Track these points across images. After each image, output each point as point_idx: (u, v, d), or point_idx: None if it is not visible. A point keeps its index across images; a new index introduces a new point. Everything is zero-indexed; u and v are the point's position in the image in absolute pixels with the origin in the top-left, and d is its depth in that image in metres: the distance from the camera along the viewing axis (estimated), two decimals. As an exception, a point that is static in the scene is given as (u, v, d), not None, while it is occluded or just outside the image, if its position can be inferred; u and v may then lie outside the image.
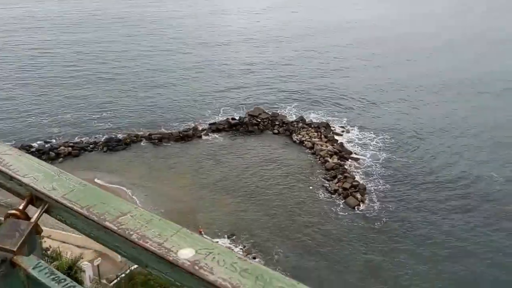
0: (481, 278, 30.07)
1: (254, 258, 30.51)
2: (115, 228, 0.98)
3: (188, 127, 51.07)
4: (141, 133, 49.31)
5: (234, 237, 33.70)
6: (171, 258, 0.89)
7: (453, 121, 53.36)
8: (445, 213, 37.03)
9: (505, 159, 45.10)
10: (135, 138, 48.28)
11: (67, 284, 1.38)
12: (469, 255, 32.21)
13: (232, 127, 51.71)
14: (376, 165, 44.67)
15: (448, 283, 29.69)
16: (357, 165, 44.85)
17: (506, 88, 62.57)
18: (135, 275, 25.53)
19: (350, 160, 45.52)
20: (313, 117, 54.16)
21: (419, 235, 34.45)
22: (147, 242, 0.93)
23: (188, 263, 0.88)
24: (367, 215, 37.19)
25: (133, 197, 37.12)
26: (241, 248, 32.33)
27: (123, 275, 26.38)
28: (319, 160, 45.10)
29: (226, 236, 33.69)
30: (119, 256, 29.10)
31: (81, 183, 1.17)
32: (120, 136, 48.35)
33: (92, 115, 53.10)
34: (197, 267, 0.86)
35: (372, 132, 51.27)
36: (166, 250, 0.91)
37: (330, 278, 30.05)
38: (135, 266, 27.67)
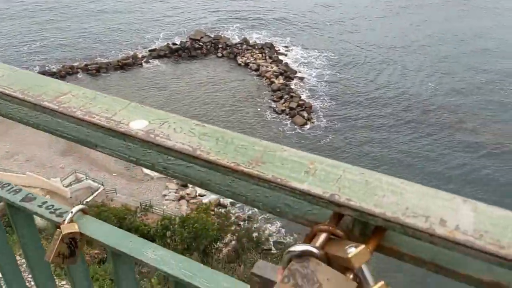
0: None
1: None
2: (56, 107, 0.89)
3: (126, 55, 48.51)
4: (77, 64, 46.38)
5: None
6: (122, 130, 0.82)
7: (397, 37, 54.39)
8: (389, 127, 39.01)
9: (447, 71, 47.25)
10: (70, 70, 45.37)
11: (11, 188, 1.29)
12: (408, 165, 34.67)
13: (174, 53, 49.74)
14: (321, 83, 45.40)
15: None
16: (303, 84, 45.35)
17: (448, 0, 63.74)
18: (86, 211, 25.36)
19: (295, 79, 45.85)
20: (256, 37, 53.05)
21: (364, 150, 36.38)
22: (93, 118, 0.85)
23: (142, 132, 0.81)
24: (314, 133, 38.48)
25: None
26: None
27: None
28: (265, 81, 45.08)
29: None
30: (68, 193, 28.72)
31: (12, 68, 1.04)
32: (54, 68, 45.22)
33: (20, 48, 48.88)
34: (152, 135, 0.80)
35: (316, 51, 51.36)
36: (116, 123, 0.84)
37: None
38: (87, 199, 27.45)
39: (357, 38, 53.94)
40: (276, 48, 51.06)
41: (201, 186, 0.84)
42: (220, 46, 50.87)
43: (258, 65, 47.12)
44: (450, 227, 0.59)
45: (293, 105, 40.92)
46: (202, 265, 1.03)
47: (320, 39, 53.83)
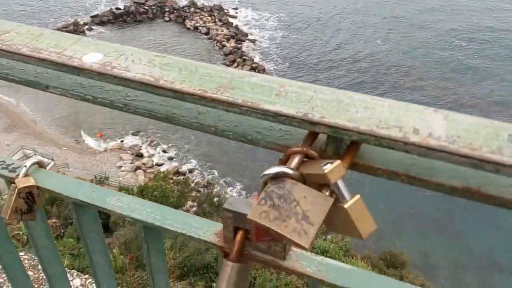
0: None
1: (165, 152, 30.75)
2: (-2, 45, 0.80)
3: (66, 22, 45.74)
4: (13, 33, 43.23)
5: (141, 133, 33.07)
6: (75, 64, 0.76)
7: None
8: (344, 88, 39.50)
9: (398, 31, 48.11)
10: (6, 40, 42.30)
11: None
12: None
13: (118, 18, 47.41)
14: (274, 45, 45.10)
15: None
16: (255, 46, 44.88)
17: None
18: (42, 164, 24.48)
19: (247, 42, 45.25)
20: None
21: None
22: (42, 53, 0.78)
23: (98, 65, 0.75)
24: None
25: (17, 106, 33.88)
26: (149, 143, 32.08)
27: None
28: (216, 45, 44.18)
29: (131, 133, 32.95)
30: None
31: None
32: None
33: None
34: (109, 67, 0.75)
35: (267, 12, 50.66)
36: (68, 57, 0.77)
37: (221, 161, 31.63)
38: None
39: (308, -1, 53.62)
40: (226, 10, 49.87)
41: (166, 120, 0.80)
42: (166, 9, 48.97)
43: (208, 29, 45.98)
44: (423, 134, 0.60)
45: (246, 68, 40.56)
46: (171, 208, 1.01)
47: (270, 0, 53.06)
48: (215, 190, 24.57)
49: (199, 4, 49.93)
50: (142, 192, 17.48)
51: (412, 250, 16.39)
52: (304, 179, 0.66)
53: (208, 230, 0.97)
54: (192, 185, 24.85)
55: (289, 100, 0.67)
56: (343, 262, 0.92)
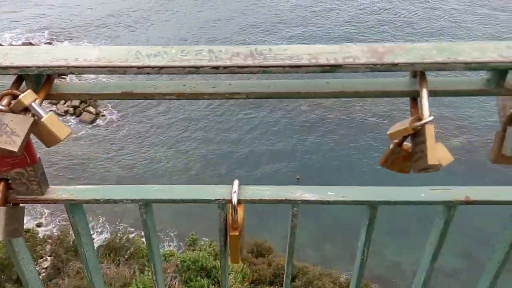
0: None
1: None
2: None
3: None
4: None
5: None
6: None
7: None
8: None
9: (214, 36, 50.50)
10: None
11: None
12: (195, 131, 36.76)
13: None
14: (100, 74, 43.27)
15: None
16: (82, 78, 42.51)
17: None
18: None
19: (71, 76, 42.57)
20: (10, 37, 46.77)
21: (169, 129, 36.77)
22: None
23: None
24: (108, 127, 36.97)
25: None
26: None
27: None
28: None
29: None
30: None
31: None
32: None
33: None
34: None
35: (85, 41, 48.42)
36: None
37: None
38: None
39: (135, 36, 52.93)
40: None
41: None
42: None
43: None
44: (80, 60, 0.92)
45: (76, 103, 38.24)
46: None
47: (86, 29, 50.85)
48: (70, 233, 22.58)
49: (5, 44, 45.13)
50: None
51: (274, 236, 17.70)
52: (13, 111, 0.92)
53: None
54: (41, 237, 22.39)
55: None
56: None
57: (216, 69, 0.87)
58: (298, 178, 16.56)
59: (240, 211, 1.11)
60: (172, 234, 19.31)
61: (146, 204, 1.15)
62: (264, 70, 0.86)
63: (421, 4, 43.23)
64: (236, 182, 1.12)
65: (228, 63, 0.87)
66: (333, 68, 0.85)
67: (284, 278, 1.36)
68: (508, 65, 0.82)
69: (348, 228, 17.21)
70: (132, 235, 16.49)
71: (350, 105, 27.14)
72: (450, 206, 1.06)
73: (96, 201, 1.13)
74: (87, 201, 1.15)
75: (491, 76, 0.88)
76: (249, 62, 0.87)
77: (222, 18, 52.20)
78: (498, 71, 0.86)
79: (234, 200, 1.08)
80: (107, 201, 1.11)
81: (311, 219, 18.21)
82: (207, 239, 14.20)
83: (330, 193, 1.09)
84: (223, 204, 1.12)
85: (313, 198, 1.09)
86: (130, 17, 53.33)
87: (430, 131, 0.87)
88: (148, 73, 0.89)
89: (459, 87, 0.90)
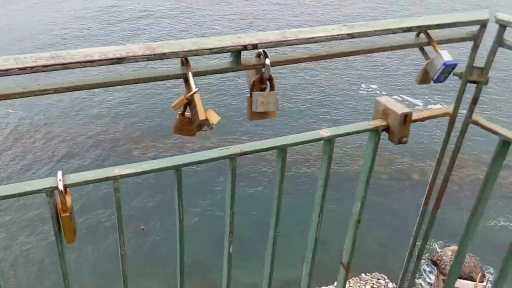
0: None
1: None
2: None
3: None
4: None
5: None
6: None
7: None
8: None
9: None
10: None
11: None
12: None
13: None
14: None
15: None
16: None
17: None
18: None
19: None
20: None
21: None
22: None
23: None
24: None
25: None
26: None
27: None
28: None
29: None
30: None
31: None
32: None
33: None
34: None
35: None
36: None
37: None
38: None
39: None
40: None
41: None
42: None
43: None
44: None
45: None
46: None
47: None
48: None
49: None
50: None
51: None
52: None
53: None
54: None
55: None
56: None
57: (23, 70, 1.07)
58: (142, 228, 16.43)
59: (68, 196, 1.29)
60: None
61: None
62: (65, 66, 1.11)
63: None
64: (59, 172, 1.30)
65: (34, 64, 1.08)
66: (119, 61, 1.14)
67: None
68: (238, 48, 1.24)
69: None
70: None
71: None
72: (232, 158, 1.44)
73: None
74: None
75: (232, 57, 1.29)
76: (51, 62, 1.10)
77: None
78: (235, 53, 1.27)
79: (60, 186, 1.26)
80: None
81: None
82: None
83: (145, 165, 1.36)
84: (51, 192, 1.28)
85: (130, 171, 1.34)
86: None
87: (197, 98, 1.23)
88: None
89: (213, 68, 1.30)
